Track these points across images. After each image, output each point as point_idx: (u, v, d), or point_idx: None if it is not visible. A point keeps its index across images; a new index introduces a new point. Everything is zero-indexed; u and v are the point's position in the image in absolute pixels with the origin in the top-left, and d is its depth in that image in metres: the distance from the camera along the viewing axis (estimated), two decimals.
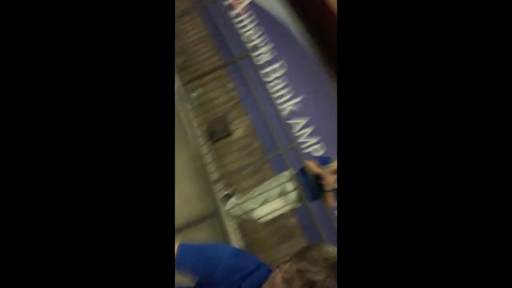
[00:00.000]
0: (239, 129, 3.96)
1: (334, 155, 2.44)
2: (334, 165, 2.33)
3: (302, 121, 3.34)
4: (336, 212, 3.01)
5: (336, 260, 0.70)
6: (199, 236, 2.42)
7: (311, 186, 2.30)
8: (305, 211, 2.31)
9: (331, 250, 0.73)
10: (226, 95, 4.11)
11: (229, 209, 2.70)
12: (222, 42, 3.49)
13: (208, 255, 0.83)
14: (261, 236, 2.81)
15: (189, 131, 2.71)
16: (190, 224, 2.42)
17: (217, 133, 3.70)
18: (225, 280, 0.79)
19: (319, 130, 3.30)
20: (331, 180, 2.21)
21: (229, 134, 3.85)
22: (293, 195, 2.37)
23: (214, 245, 0.88)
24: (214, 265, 0.80)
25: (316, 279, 0.69)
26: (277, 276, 0.74)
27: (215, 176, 2.69)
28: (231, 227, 2.41)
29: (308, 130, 3.31)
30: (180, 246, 0.84)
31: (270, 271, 0.82)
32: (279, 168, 2.75)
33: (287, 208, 2.43)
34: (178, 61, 2.84)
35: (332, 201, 2.29)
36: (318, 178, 2.27)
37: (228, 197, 2.89)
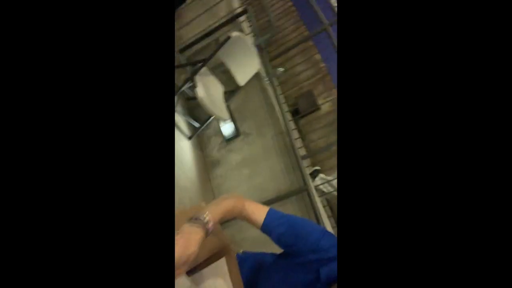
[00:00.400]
0: (326, 104, 3.83)
1: None
2: None
3: None
4: None
5: None
6: (288, 210, 2.45)
7: None
8: None
9: None
10: (312, 68, 3.99)
11: (318, 185, 2.66)
12: (308, 11, 3.34)
13: (295, 227, 0.82)
14: None
15: (276, 106, 2.71)
16: (279, 199, 2.46)
17: (304, 108, 3.64)
18: (304, 256, 0.77)
19: None
20: None
21: (316, 109, 3.76)
22: None
23: (304, 219, 0.87)
24: (299, 238, 0.79)
25: None
26: None
27: (303, 151, 2.67)
28: (320, 203, 2.37)
29: None
30: (270, 211, 0.85)
31: None
32: None
33: None
34: (265, 36, 2.82)
35: None
36: None
37: (316, 173, 2.85)
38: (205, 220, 0.69)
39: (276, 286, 0.81)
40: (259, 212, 0.85)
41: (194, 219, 0.69)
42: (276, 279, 0.82)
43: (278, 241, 0.83)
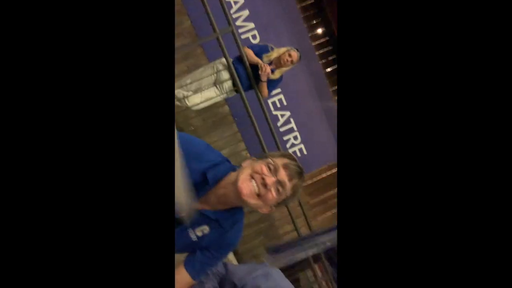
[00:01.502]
0: None
1: (271, 44, 2.37)
2: (272, 54, 2.28)
3: (238, 1, 3.06)
4: (268, 101, 3.10)
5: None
6: None
7: (247, 75, 2.26)
8: (238, 100, 2.32)
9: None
10: None
11: None
12: None
13: (181, 141, 0.84)
14: (193, 123, 2.82)
15: None
16: None
17: None
18: (192, 165, 0.84)
19: (256, 15, 3.09)
20: (267, 70, 2.19)
21: None
22: (228, 84, 2.33)
23: (185, 134, 0.92)
24: (186, 151, 0.82)
25: (299, 170, 0.85)
26: (248, 168, 0.84)
27: None
28: None
29: (244, 14, 3.09)
30: None
31: (233, 167, 0.92)
32: (213, 54, 2.60)
33: (222, 97, 2.40)
34: None
35: (266, 91, 2.32)
36: (254, 67, 2.23)
37: None
38: None
39: None
40: None
41: None
42: None
43: None
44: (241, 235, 0.99)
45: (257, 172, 0.82)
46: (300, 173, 0.86)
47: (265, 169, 0.82)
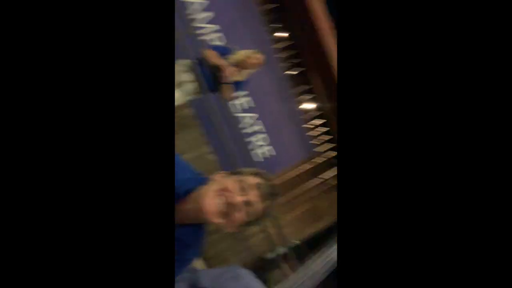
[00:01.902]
0: None
1: (235, 46, 2.36)
2: (234, 57, 2.28)
3: (201, 2, 3.04)
4: (232, 103, 3.10)
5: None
6: None
7: (209, 77, 2.24)
8: (201, 102, 2.29)
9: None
10: None
11: None
12: None
13: None
14: None
15: None
16: None
17: None
18: None
19: (219, 17, 3.08)
20: (230, 72, 2.18)
21: None
22: (190, 86, 2.29)
23: None
24: None
25: (272, 191, 0.79)
26: (216, 183, 0.78)
27: None
28: None
29: (207, 15, 3.06)
30: None
31: (203, 180, 0.85)
32: (175, 55, 2.55)
33: (184, 99, 2.36)
34: None
35: (229, 93, 2.31)
36: (217, 69, 2.21)
37: None
38: None
39: None
40: None
41: None
42: None
43: None
44: (201, 252, 0.92)
45: (225, 190, 0.75)
46: (272, 195, 0.80)
47: (234, 187, 0.76)
